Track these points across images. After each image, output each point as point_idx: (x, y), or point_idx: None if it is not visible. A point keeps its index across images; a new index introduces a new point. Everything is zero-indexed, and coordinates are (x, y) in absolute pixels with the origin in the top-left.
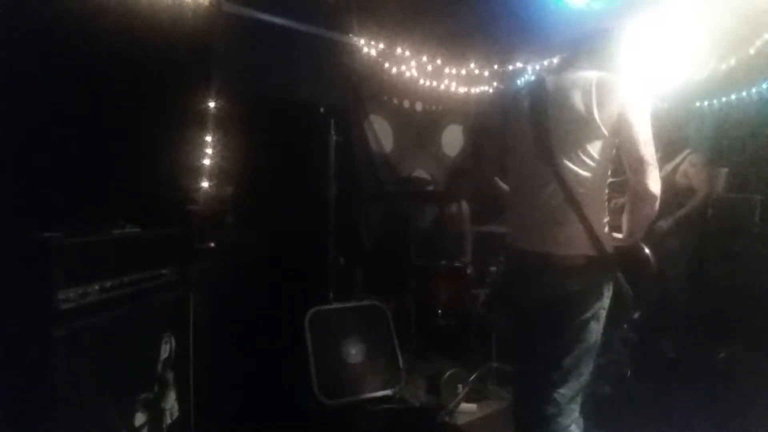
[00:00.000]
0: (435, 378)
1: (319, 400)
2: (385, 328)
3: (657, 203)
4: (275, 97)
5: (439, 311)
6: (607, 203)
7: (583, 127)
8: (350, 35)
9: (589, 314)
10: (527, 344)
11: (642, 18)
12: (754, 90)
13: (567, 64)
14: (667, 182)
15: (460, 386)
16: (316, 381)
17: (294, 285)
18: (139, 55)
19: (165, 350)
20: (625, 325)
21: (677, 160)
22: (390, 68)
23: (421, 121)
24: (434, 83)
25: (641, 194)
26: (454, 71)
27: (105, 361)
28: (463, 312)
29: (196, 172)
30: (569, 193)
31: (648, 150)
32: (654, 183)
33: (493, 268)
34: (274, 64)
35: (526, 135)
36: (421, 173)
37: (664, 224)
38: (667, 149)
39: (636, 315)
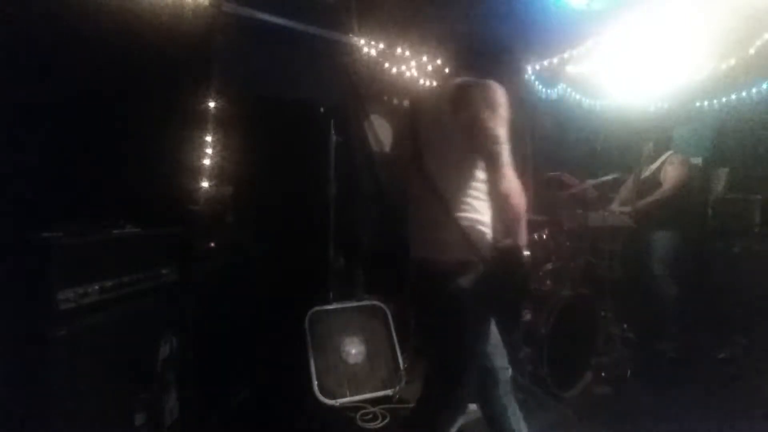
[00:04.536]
0: None
1: (319, 400)
2: (385, 328)
3: (516, 198)
4: (275, 97)
5: None
6: (484, 204)
7: (442, 131)
8: (350, 35)
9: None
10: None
11: (642, 18)
12: (754, 90)
13: (449, 74)
14: (651, 182)
15: None
16: (316, 381)
17: (294, 285)
18: (139, 54)
19: (165, 350)
20: (625, 326)
21: (658, 162)
22: (390, 68)
23: None
24: (434, 83)
25: (496, 191)
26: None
27: (105, 361)
28: None
29: (196, 172)
30: (441, 198)
31: (497, 148)
32: (504, 179)
33: None
34: (274, 64)
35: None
36: None
37: (625, 210)
38: (653, 151)
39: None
